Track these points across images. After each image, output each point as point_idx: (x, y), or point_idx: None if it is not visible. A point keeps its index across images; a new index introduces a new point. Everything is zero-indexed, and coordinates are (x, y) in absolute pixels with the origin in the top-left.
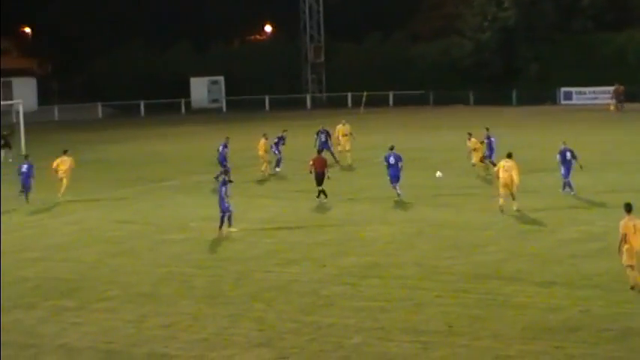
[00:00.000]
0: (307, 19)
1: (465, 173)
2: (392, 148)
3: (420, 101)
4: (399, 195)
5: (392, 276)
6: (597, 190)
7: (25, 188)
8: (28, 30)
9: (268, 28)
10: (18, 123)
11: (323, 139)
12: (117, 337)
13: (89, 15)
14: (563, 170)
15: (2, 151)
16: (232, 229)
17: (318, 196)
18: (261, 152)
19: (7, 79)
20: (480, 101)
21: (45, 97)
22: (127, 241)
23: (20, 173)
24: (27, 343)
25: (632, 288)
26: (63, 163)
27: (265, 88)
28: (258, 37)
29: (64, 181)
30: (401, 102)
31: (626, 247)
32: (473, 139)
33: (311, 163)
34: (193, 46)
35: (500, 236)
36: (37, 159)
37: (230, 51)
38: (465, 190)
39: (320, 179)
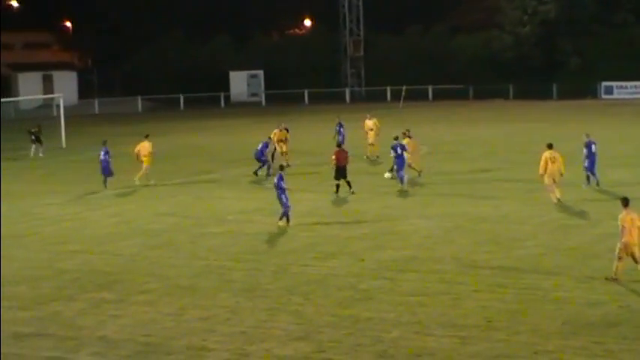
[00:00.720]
0: (347, 13)
1: (504, 167)
2: (396, 138)
3: (460, 95)
4: (402, 183)
5: (430, 270)
6: (636, 183)
7: (105, 174)
8: (68, 24)
9: (308, 22)
10: (59, 116)
11: (339, 131)
12: (155, 329)
13: (129, 8)
14: (587, 163)
15: (33, 147)
16: (281, 223)
17: (336, 191)
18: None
19: (48, 72)
20: (520, 95)
21: (85, 90)
22: (166, 233)
23: (100, 160)
24: (66, 335)
25: (613, 279)
26: (143, 149)
27: (304, 81)
28: (297, 30)
29: (145, 165)
30: (440, 96)
31: (623, 240)
32: (407, 139)
33: (334, 157)
34: (233, 39)
35: (539, 230)
36: (76, 152)
37: (269, 45)
38: (503, 184)
39: (342, 173)
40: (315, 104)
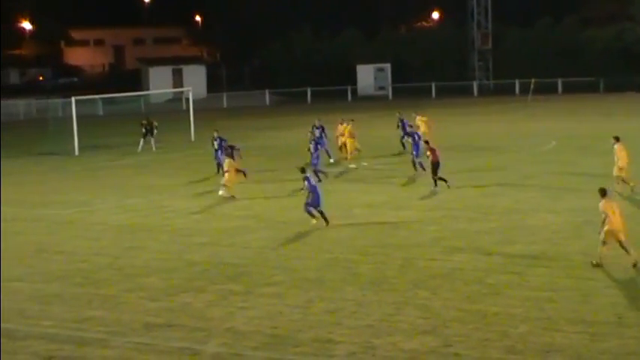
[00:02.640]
0: (475, 5)
1: (636, 161)
2: (411, 126)
3: (590, 88)
4: (417, 169)
5: (559, 265)
6: None
7: (219, 160)
8: (198, 19)
9: (435, 15)
10: (188, 110)
11: (403, 126)
12: (282, 321)
13: (258, 3)
14: None
15: (152, 140)
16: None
17: (435, 185)
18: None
19: (178, 66)
20: None
21: (214, 84)
22: (293, 227)
23: (216, 148)
24: (195, 326)
25: (597, 265)
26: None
27: (432, 75)
28: (424, 23)
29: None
30: (570, 89)
31: (606, 228)
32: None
33: (429, 153)
34: (361, 33)
35: None
36: (205, 145)
37: (397, 38)
38: (637, 178)
39: (436, 169)
40: (443, 98)
